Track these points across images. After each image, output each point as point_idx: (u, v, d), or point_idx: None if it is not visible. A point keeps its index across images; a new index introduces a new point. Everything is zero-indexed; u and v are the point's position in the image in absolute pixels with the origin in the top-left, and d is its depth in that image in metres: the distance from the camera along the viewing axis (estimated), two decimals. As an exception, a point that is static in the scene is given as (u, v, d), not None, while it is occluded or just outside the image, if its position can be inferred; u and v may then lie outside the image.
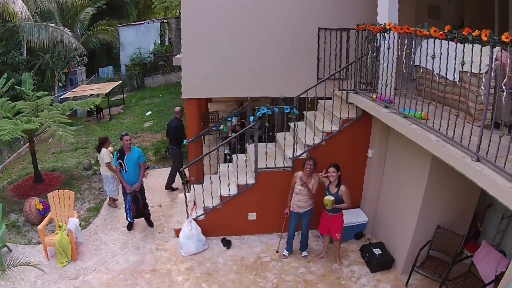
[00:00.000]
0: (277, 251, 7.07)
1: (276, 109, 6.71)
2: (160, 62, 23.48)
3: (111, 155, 8.53)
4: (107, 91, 17.83)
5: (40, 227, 7.26)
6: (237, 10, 7.70)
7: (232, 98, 13.32)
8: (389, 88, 5.74)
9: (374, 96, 6.01)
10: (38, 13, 17.81)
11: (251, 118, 6.82)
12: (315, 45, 7.82)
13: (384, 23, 5.50)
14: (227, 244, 7.33)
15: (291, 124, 7.51)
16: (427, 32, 4.43)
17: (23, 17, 14.21)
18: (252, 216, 7.41)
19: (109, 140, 9.23)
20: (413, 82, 5.65)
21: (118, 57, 28.55)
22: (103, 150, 8.65)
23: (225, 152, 10.59)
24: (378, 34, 5.82)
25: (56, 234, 7.31)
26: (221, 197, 7.31)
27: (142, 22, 27.12)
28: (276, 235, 7.39)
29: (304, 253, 6.87)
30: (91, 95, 18.04)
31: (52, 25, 16.28)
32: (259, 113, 6.59)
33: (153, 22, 26.67)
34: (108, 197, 9.19)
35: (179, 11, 26.10)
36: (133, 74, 23.47)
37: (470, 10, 8.53)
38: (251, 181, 7.20)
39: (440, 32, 4.18)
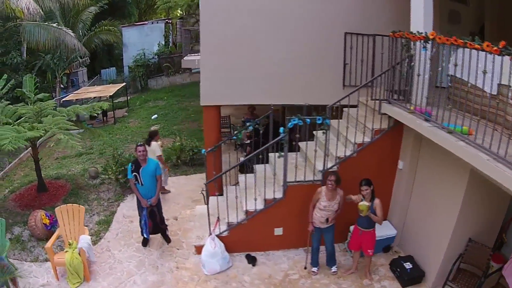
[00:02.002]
0: (305, 268, 6.73)
1: (309, 120, 6.26)
2: (164, 63, 22.86)
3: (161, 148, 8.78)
4: (111, 94, 17.17)
5: (48, 245, 6.68)
6: (259, 14, 7.37)
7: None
8: (424, 99, 5.59)
9: (412, 108, 5.69)
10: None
11: (281, 129, 6.35)
12: (341, 51, 7.46)
13: (426, 32, 5.21)
14: (252, 261, 6.94)
15: (316, 133, 7.19)
16: (479, 46, 4.13)
17: (32, 13, 13.57)
18: (278, 231, 7.06)
19: (159, 134, 9.42)
20: (446, 91, 5.48)
21: (119, 58, 27.93)
22: (153, 143, 8.73)
23: (241, 160, 10.08)
24: (417, 43, 5.55)
25: (65, 252, 6.75)
26: (246, 212, 6.89)
27: (146, 22, 26.46)
28: (302, 250, 7.04)
29: (333, 269, 6.58)
30: (94, 97, 17.44)
31: (54, 25, 15.63)
32: (290, 123, 6.18)
33: (157, 22, 25.99)
34: None
35: (182, 11, 25.61)
36: (136, 75, 22.85)
37: (490, 14, 8.37)
38: (278, 195, 6.80)
39: (494, 48, 3.93)
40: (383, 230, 6.89)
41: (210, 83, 7.72)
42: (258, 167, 7.73)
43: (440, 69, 5.16)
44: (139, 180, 6.96)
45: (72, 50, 17.31)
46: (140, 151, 6.92)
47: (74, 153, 13.26)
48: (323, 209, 6.11)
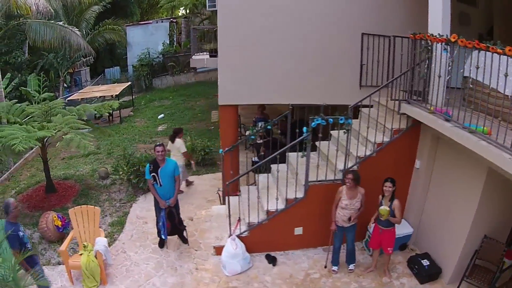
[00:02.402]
0: (325, 266, 6.73)
1: (331, 120, 6.27)
2: (169, 63, 22.64)
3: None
4: (118, 93, 16.93)
5: (62, 248, 6.48)
6: (278, 13, 7.35)
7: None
8: (444, 100, 5.73)
9: (432, 108, 5.80)
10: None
11: (305, 129, 6.29)
12: (358, 51, 7.49)
13: (447, 35, 5.32)
14: (272, 261, 6.88)
15: (334, 133, 7.10)
16: (501, 51, 4.26)
17: (42, 11, 13.35)
18: (298, 230, 7.03)
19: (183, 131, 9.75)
20: (461, 92, 5.60)
21: (121, 57, 27.67)
22: (178, 140, 8.98)
23: (253, 160, 9.90)
24: (437, 45, 5.64)
25: (80, 255, 6.56)
26: (267, 212, 6.82)
27: (150, 21, 26.23)
28: (321, 249, 7.11)
29: (351, 267, 6.62)
30: (100, 97, 17.21)
31: (60, 23, 15.40)
32: (313, 123, 6.16)
33: (162, 21, 25.77)
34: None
35: (186, 10, 25.43)
36: (141, 75, 22.60)
37: (498, 16, 8.44)
38: (299, 194, 6.77)
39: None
40: (400, 229, 6.88)
41: (229, 83, 7.68)
42: (276, 167, 7.53)
43: (462, 70, 5.25)
44: (157, 180, 6.78)
45: (77, 49, 17.01)
46: (159, 151, 6.74)
47: (81, 153, 13.06)
48: (345, 208, 6.14)
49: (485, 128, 4.78)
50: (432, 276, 6.31)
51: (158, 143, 6.98)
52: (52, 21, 14.89)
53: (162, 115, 16.63)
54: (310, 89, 7.65)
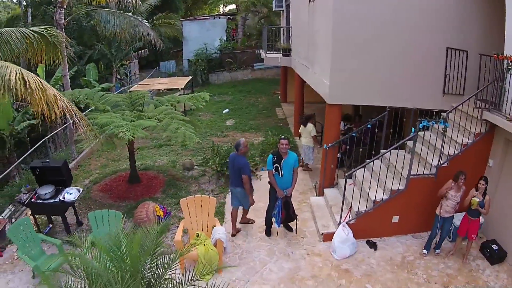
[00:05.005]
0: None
1: (434, 122, 7.60)
2: (227, 59, 22.67)
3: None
4: (183, 86, 16.95)
5: (177, 238, 6.54)
6: (382, 26, 8.05)
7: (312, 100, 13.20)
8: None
9: (509, 116, 6.65)
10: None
11: (413, 129, 7.19)
12: (442, 62, 8.18)
13: None
14: (373, 246, 7.55)
15: (420, 133, 7.95)
16: None
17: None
18: (395, 219, 7.78)
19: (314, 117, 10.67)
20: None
21: (167, 51, 27.62)
22: (309, 124, 10.03)
23: (338, 156, 9.84)
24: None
25: (192, 244, 6.55)
26: (374, 201, 7.57)
27: (207, 17, 26.31)
28: (410, 236, 7.88)
29: (437, 251, 7.46)
30: (165, 89, 17.25)
31: (130, 14, 15.39)
32: (421, 124, 7.03)
33: (219, 18, 25.89)
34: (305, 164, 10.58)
35: (236, 6, 25.32)
36: (197, 69, 22.68)
37: None
38: (401, 186, 7.59)
39: None
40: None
41: (338, 84, 8.37)
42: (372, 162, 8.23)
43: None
44: (279, 171, 7.09)
45: (147, 41, 16.86)
46: (283, 144, 7.06)
47: (151, 144, 13.13)
48: (450, 199, 6.96)
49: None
50: (501, 259, 7.22)
51: (282, 137, 7.27)
52: (121, 12, 14.83)
53: (227, 110, 16.68)
54: (403, 93, 8.40)
